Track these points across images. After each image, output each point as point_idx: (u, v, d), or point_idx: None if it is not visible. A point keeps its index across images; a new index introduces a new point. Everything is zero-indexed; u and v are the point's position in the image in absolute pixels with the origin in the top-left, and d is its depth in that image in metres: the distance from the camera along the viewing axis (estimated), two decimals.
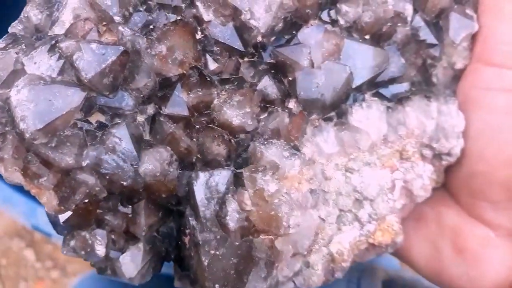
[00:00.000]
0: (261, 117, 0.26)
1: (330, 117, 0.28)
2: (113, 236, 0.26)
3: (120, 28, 0.24)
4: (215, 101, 0.26)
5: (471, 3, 0.29)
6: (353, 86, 0.27)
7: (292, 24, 0.27)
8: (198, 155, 0.26)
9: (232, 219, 0.25)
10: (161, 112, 0.25)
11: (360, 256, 0.29)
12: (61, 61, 0.23)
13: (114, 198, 0.25)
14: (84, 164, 0.23)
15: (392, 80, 0.28)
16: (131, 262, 0.26)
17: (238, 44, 0.26)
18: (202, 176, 0.25)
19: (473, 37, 0.29)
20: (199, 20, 0.26)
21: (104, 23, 0.24)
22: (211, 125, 0.26)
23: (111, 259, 0.26)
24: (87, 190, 0.24)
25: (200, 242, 0.25)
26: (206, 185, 0.25)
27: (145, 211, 0.26)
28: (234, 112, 0.26)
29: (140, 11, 0.25)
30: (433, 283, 0.32)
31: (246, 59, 0.26)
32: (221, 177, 0.25)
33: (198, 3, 0.25)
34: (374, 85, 0.28)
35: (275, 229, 0.25)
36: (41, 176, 0.23)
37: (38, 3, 0.26)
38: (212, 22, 0.25)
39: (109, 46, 0.23)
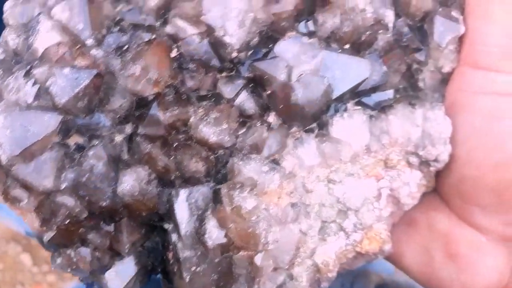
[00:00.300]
0: (240, 133, 0.26)
1: (311, 128, 0.28)
2: (97, 254, 0.26)
3: (93, 51, 0.24)
4: (192, 119, 0.26)
5: (457, 5, 0.28)
6: (333, 97, 0.27)
7: (268, 37, 0.26)
8: (177, 173, 0.26)
9: (211, 237, 0.25)
10: (138, 132, 0.26)
11: (349, 264, 0.29)
12: (37, 86, 0.24)
13: (96, 217, 0.26)
14: (62, 187, 0.24)
15: (375, 89, 0.28)
16: (117, 277, 0.27)
17: (214, 60, 0.26)
18: (182, 193, 0.26)
19: (460, 40, 0.28)
20: (174, 37, 0.26)
21: (78, 46, 0.24)
22: (189, 143, 0.26)
23: (97, 275, 0.27)
24: (68, 212, 0.24)
25: (181, 259, 0.25)
26: (186, 202, 0.26)
27: (127, 229, 0.26)
28: (211, 130, 0.26)
29: (114, 32, 0.25)
30: None
31: (224, 74, 0.26)
32: (200, 193, 0.26)
33: (172, 21, 0.25)
34: (356, 95, 0.28)
35: (253, 246, 0.25)
36: (21, 200, 0.24)
37: (16, 27, 0.26)
38: (187, 39, 0.25)
39: (82, 70, 0.23)
